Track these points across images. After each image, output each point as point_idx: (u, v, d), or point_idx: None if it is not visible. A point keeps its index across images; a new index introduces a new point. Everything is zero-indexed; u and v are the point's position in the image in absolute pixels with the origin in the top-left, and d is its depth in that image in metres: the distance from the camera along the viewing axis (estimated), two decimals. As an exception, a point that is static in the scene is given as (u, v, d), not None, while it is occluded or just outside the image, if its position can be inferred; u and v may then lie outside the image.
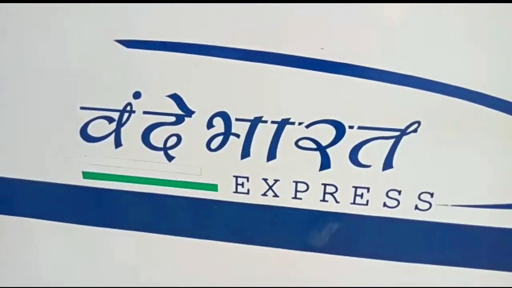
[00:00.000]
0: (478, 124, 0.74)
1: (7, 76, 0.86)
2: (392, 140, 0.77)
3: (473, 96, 0.72)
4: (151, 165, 0.88)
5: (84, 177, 0.93)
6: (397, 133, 0.76)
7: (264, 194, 0.86)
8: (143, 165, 0.89)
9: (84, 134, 0.88)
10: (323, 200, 0.85)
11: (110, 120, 0.86)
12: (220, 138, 0.83)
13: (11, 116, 0.90)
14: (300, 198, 0.85)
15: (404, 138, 0.76)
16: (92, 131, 0.87)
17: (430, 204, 0.81)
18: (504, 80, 0.71)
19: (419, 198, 0.81)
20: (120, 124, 0.86)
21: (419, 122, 0.75)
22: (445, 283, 0.88)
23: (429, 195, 0.80)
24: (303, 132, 0.79)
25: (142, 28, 0.77)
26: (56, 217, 0.98)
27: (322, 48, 0.72)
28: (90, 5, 0.76)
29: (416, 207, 0.82)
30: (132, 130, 0.85)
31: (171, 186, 0.89)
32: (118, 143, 0.88)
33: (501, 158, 0.76)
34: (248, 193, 0.87)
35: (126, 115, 0.84)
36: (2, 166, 0.95)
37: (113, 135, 0.87)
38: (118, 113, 0.85)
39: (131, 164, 0.89)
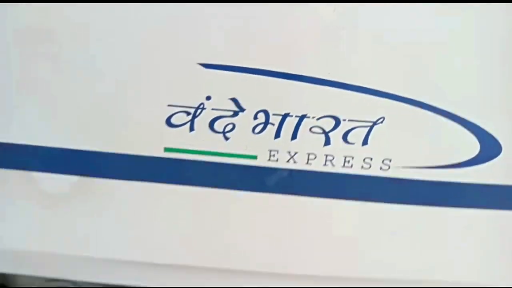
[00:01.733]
0: (417, 119, 1.26)
1: (118, 72, 1.27)
2: (368, 128, 1.27)
3: (415, 102, 1.24)
4: (213, 143, 1.34)
5: (164, 151, 1.37)
6: (371, 123, 1.27)
7: (288, 161, 1.35)
8: (207, 143, 1.34)
9: (168, 122, 1.32)
10: (325, 164, 1.35)
11: (188, 113, 1.30)
12: (261, 126, 1.30)
13: (117, 106, 1.32)
14: (310, 164, 1.35)
15: (375, 126, 1.27)
16: (174, 120, 1.32)
17: (389, 166, 1.33)
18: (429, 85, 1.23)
19: (382, 162, 1.33)
20: (194, 116, 1.31)
21: (384, 117, 1.25)
22: (397, 215, 1.42)
23: (388, 161, 1.32)
24: (314, 122, 1.27)
25: (217, 55, 1.22)
26: (142, 178, 1.43)
27: (329, 73, 1.20)
28: (185, 33, 1.20)
29: (381, 168, 1.34)
30: (202, 120, 1.31)
31: (226, 157, 1.36)
32: (191, 128, 1.33)
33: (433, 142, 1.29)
34: (277, 160, 1.35)
35: (199, 110, 1.29)
36: (108, 141, 1.38)
37: (188, 123, 1.32)
38: (193, 109, 1.30)
39: (200, 143, 1.35)
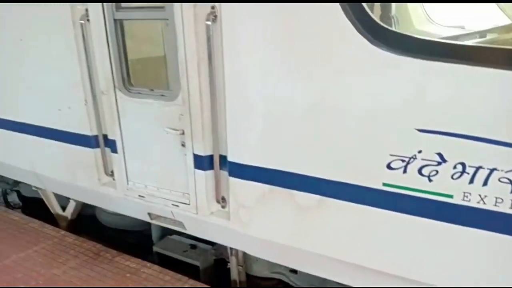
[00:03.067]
0: None
1: (362, 128, 2.03)
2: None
3: None
4: (420, 183, 1.93)
5: (383, 185, 2.04)
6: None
7: (478, 202, 1.83)
8: (415, 182, 1.94)
9: (388, 166, 1.99)
10: (510, 207, 1.77)
11: (403, 161, 1.95)
12: (459, 174, 1.83)
13: (354, 152, 2.07)
14: (498, 206, 1.79)
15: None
16: (392, 165, 1.98)
17: None
18: None
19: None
20: (407, 163, 1.94)
21: None
22: None
23: None
24: (503, 174, 1.74)
25: (428, 123, 1.84)
26: (365, 202, 2.11)
27: (517, 140, 1.68)
28: (408, 108, 1.88)
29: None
30: (413, 166, 1.92)
31: (428, 194, 1.93)
32: (404, 171, 1.96)
33: None
34: (469, 201, 1.84)
35: (412, 160, 1.92)
36: (344, 174, 2.13)
37: (402, 168, 1.96)
38: (408, 158, 1.93)
39: (409, 182, 1.96)
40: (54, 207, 4.11)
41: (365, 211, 2.15)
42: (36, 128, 3.35)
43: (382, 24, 1.85)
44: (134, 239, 3.75)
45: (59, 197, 4.06)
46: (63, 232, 3.68)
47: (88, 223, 4.03)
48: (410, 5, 4.30)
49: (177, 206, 2.84)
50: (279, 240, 2.50)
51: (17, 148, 3.66)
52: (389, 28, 1.87)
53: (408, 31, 4.11)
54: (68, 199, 4.03)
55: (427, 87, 1.84)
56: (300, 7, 2.02)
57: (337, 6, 1.89)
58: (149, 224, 3.56)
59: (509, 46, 1.87)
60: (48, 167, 3.49)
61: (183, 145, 2.64)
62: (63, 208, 4.11)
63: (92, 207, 3.88)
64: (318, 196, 2.29)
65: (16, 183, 4.48)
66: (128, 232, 3.79)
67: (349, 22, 1.86)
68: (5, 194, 4.99)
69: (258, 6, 2.11)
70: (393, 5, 3.72)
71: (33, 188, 4.07)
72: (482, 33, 3.89)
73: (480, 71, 1.73)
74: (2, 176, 4.63)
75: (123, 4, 2.53)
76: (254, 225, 2.55)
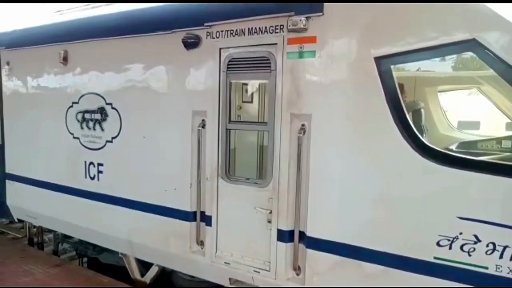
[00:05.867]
0: None
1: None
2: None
3: None
4: (461, 257, 2.63)
5: (434, 258, 2.73)
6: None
7: (508, 273, 2.50)
8: (458, 256, 2.64)
9: (437, 243, 2.70)
10: (532, 277, 2.44)
11: (448, 240, 2.67)
12: (491, 250, 2.54)
13: (407, 233, 2.80)
14: (522, 275, 2.46)
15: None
16: (441, 243, 2.69)
17: None
18: None
19: None
20: (452, 242, 2.65)
21: None
22: None
23: None
24: (524, 252, 2.44)
25: (469, 212, 2.61)
26: (419, 271, 2.78)
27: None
28: (447, 196, 2.66)
29: None
30: (457, 244, 2.64)
31: (468, 266, 2.61)
32: (450, 248, 2.66)
33: None
34: (501, 271, 2.52)
35: (455, 239, 2.64)
36: (399, 248, 2.84)
37: (448, 245, 2.67)
38: (452, 238, 2.65)
39: (454, 256, 2.65)
40: (134, 272, 4.77)
41: (420, 279, 2.81)
42: (141, 204, 4.20)
43: (430, 145, 2.73)
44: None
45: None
46: (148, 293, 4.30)
47: (163, 288, 4.66)
48: (435, 115, 5.28)
49: (258, 272, 3.51)
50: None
51: (117, 220, 4.46)
52: (436, 148, 2.74)
53: (435, 136, 5.04)
54: (144, 267, 4.71)
55: (463, 188, 2.64)
56: (369, 128, 2.93)
57: (397, 131, 2.79)
58: (220, 289, 4.18)
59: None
60: (145, 236, 4.25)
61: (269, 222, 3.41)
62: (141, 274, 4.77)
63: (169, 273, 4.53)
64: (383, 267, 2.97)
65: (102, 250, 5.20)
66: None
67: (406, 143, 2.75)
68: (81, 258, 5.71)
69: (336, 125, 3.04)
70: (423, 116, 4.68)
71: (120, 255, 4.78)
72: (498, 139, 4.79)
73: (499, 179, 2.54)
74: (87, 243, 5.38)
75: (233, 119, 3.55)
76: (326, 290, 3.20)
